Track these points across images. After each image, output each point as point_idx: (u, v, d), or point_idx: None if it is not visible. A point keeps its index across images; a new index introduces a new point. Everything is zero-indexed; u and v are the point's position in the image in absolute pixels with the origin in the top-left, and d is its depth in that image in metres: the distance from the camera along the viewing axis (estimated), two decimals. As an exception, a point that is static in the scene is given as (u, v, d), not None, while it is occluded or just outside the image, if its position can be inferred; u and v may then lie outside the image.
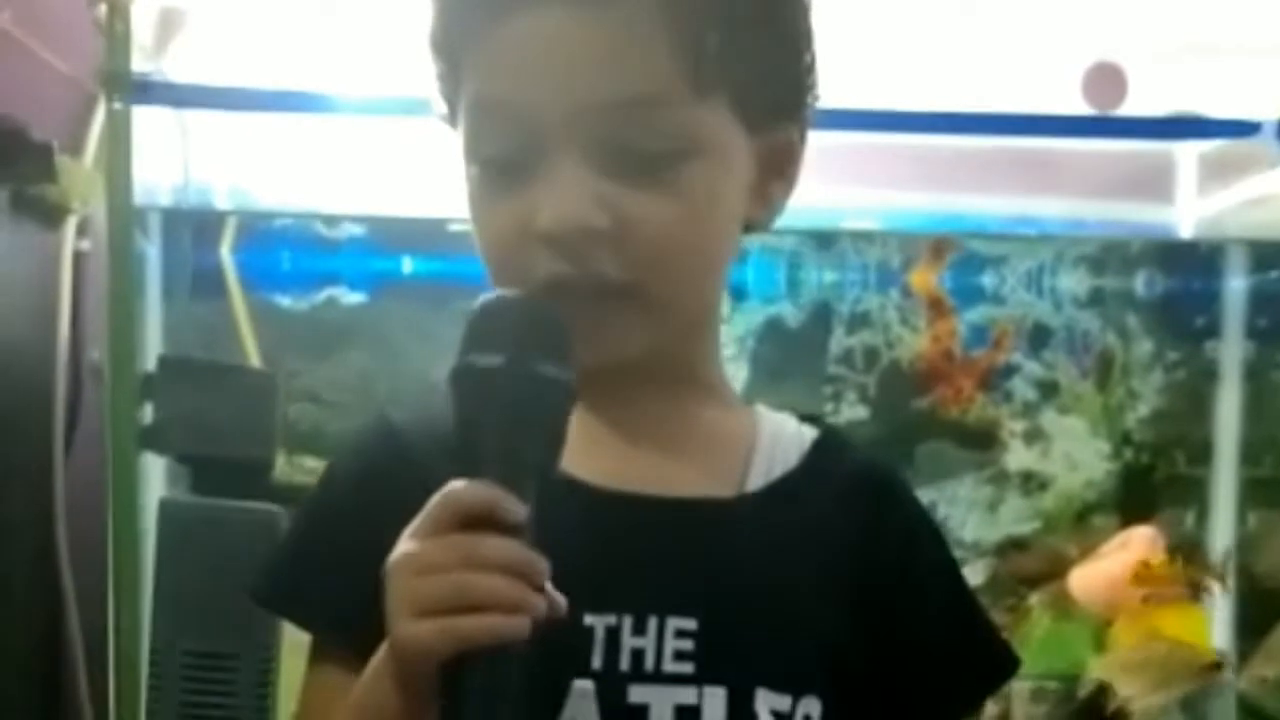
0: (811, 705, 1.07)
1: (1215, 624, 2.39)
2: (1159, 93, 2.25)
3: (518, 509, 0.93)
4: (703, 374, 1.14)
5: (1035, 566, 2.41)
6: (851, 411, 2.43)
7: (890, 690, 1.12)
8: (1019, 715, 2.25)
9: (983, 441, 2.44)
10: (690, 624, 1.04)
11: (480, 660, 0.91)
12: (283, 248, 2.31)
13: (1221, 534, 2.45)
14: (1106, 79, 2.23)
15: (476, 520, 0.93)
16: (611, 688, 1.03)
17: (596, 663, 1.03)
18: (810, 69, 1.12)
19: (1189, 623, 2.29)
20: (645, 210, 1.03)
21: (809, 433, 1.16)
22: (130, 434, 1.91)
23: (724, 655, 1.05)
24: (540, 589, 0.93)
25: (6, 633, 1.89)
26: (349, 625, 1.04)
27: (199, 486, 2.02)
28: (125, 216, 1.89)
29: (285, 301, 2.31)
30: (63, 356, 2.14)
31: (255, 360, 2.22)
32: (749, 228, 1.13)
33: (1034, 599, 2.34)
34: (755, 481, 1.11)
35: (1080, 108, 2.20)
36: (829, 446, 1.16)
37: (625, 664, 1.04)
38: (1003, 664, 1.20)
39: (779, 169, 1.12)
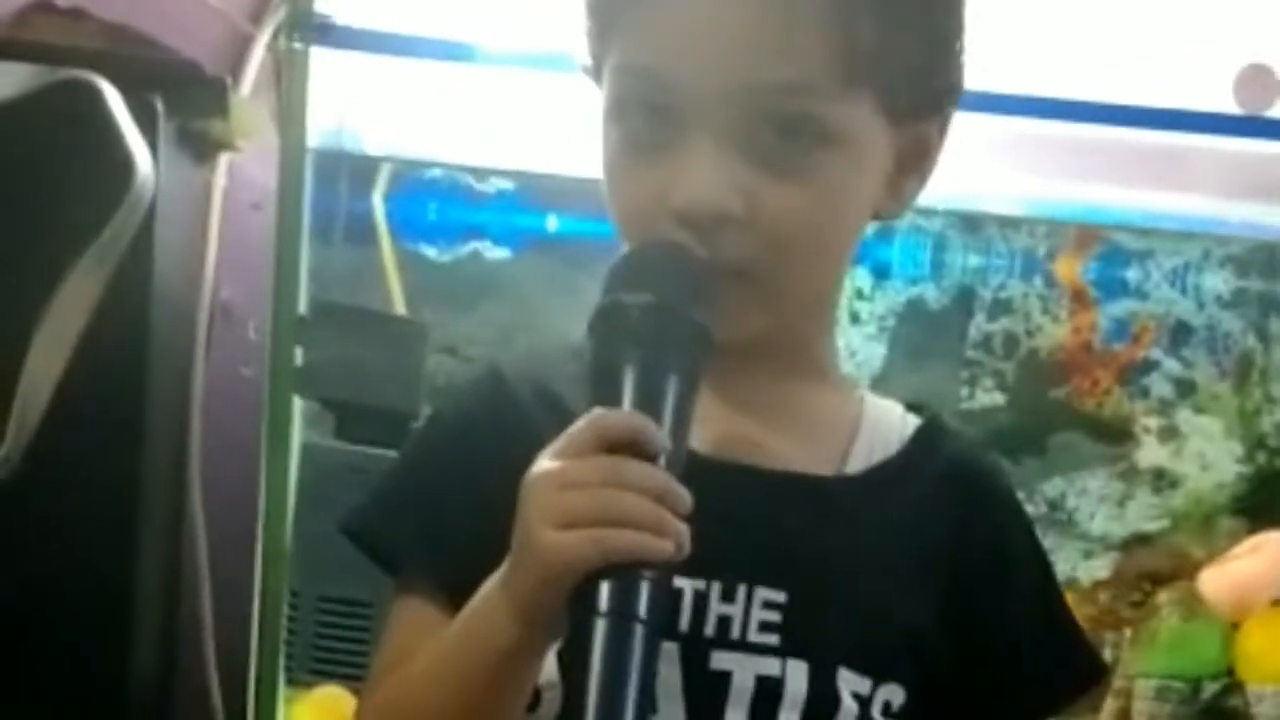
0: (893, 692, 1.09)
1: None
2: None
3: (661, 439, 0.95)
4: (814, 356, 1.16)
5: (1160, 564, 2.40)
6: (987, 397, 2.42)
7: (973, 687, 1.14)
8: (1140, 713, 2.25)
9: (1116, 436, 2.43)
10: (779, 596, 1.06)
11: (623, 579, 0.91)
12: (431, 198, 2.31)
13: (1352, 542, 2.43)
14: (1258, 80, 2.23)
15: (620, 445, 0.94)
16: (695, 651, 1.05)
17: (683, 626, 1.05)
18: (959, 67, 1.13)
19: (1317, 629, 2.28)
20: (779, 199, 1.04)
21: (912, 421, 1.19)
22: (288, 379, 1.92)
23: (809, 631, 1.07)
24: (682, 518, 0.94)
25: (138, 578, 1.90)
26: (442, 563, 1.07)
27: (343, 432, 2.04)
28: (298, 161, 1.91)
29: (430, 252, 2.31)
30: (208, 294, 2.15)
31: (402, 309, 2.23)
32: (878, 217, 1.14)
33: (1163, 597, 2.33)
34: (855, 464, 1.14)
35: (1231, 108, 2.20)
36: (930, 436, 1.18)
37: (711, 629, 1.06)
38: (1089, 669, 1.23)
39: (915, 163, 1.13)
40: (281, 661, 1.95)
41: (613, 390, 0.97)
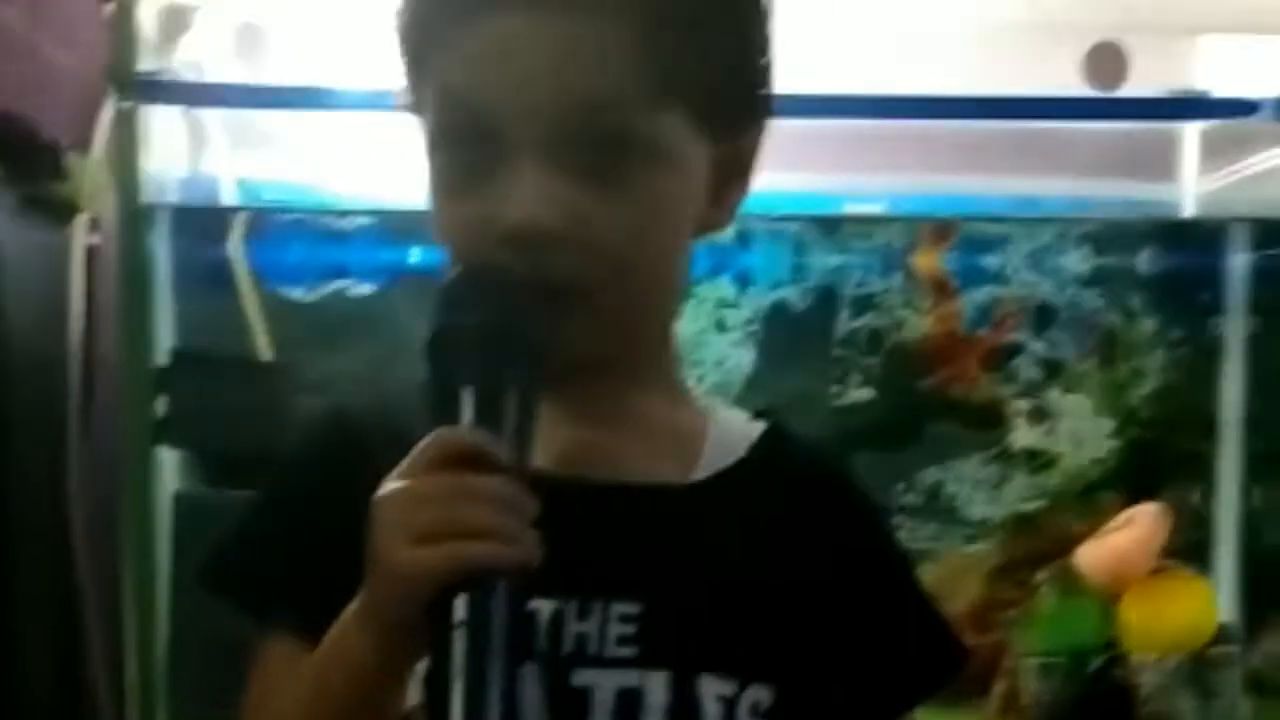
0: (760, 693, 1.10)
1: (1222, 599, 2.40)
2: (1160, 71, 2.27)
3: (504, 452, 0.96)
4: (656, 369, 1.17)
5: (1042, 544, 2.42)
6: (858, 393, 2.44)
7: (841, 680, 1.14)
8: (1027, 691, 2.27)
9: (988, 421, 2.46)
10: (634, 608, 1.07)
11: (479, 590, 0.93)
12: (291, 240, 2.33)
13: (1227, 508, 2.47)
14: (1107, 59, 2.25)
15: (464, 461, 0.95)
16: (555, 670, 1.06)
17: (541, 645, 1.06)
18: (768, 75, 1.14)
19: (1195, 597, 2.30)
20: (604, 216, 1.05)
21: (758, 426, 1.19)
22: (144, 429, 1.93)
23: (666, 640, 1.08)
24: (532, 526, 0.95)
25: (25, 629, 1.91)
26: (299, 607, 1.07)
27: (213, 479, 2.05)
28: (134, 216, 1.93)
29: (295, 294, 2.33)
30: (75, 353, 2.16)
31: (267, 353, 2.24)
32: (705, 229, 1.15)
33: (1042, 575, 2.36)
34: (703, 471, 1.15)
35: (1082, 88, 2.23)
36: (776, 439, 1.19)
37: (569, 647, 1.07)
38: (951, 657, 1.23)
39: (734, 175, 1.14)
40: (163, 705, 1.96)
41: (452, 411, 0.98)
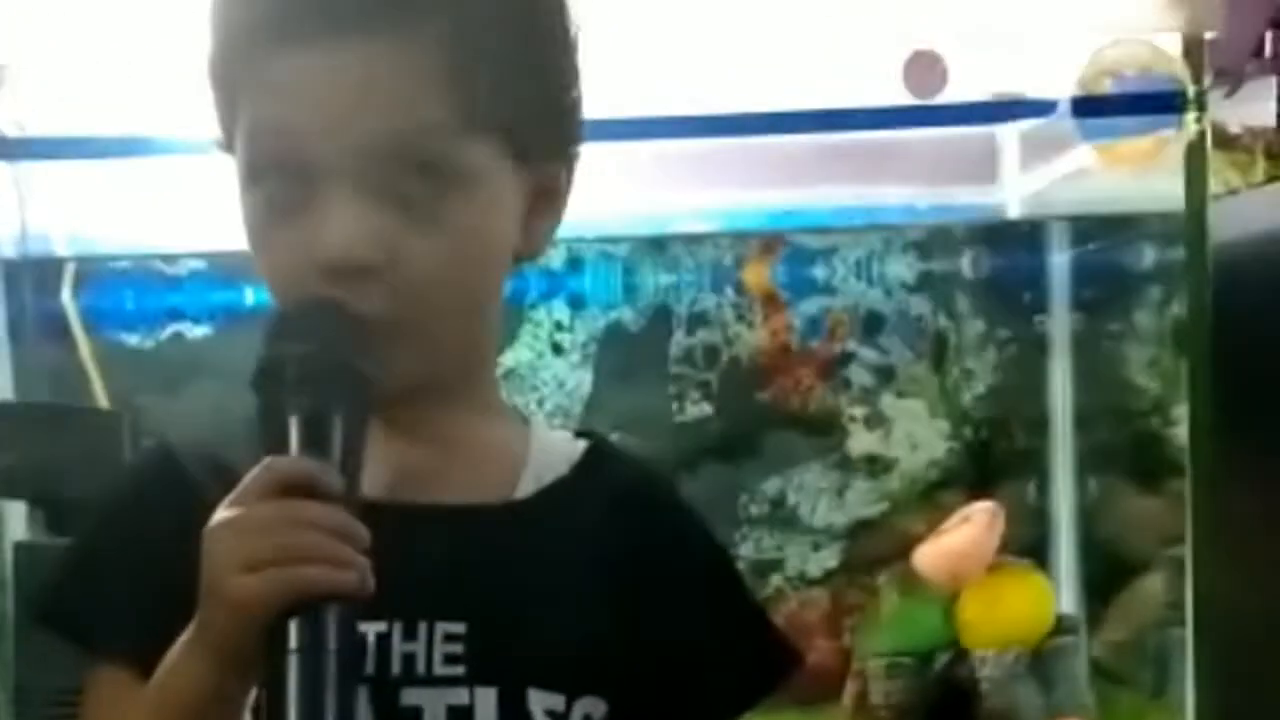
0: (593, 705, 1.11)
1: (1061, 591, 2.45)
2: (982, 76, 2.31)
3: (334, 479, 0.98)
4: (476, 393, 1.18)
5: (885, 547, 2.47)
6: (696, 409, 2.48)
7: (673, 688, 1.16)
8: (876, 692, 2.30)
9: (825, 429, 2.50)
10: (459, 628, 1.08)
11: (311, 615, 0.94)
12: (124, 288, 2.34)
13: (1063, 502, 2.52)
14: (925, 66, 2.28)
15: (294, 488, 0.97)
16: (384, 691, 1.07)
17: (370, 669, 1.06)
18: (577, 103, 1.16)
19: (1032, 591, 2.35)
20: (418, 246, 1.06)
21: (580, 445, 1.21)
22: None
23: (492, 657, 1.09)
24: (362, 552, 0.96)
25: None
26: (131, 639, 1.07)
27: (53, 526, 2.05)
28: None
29: (131, 340, 2.35)
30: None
31: (103, 400, 2.25)
32: (519, 258, 1.16)
33: (882, 578, 2.40)
34: (524, 490, 1.16)
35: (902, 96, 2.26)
36: (598, 456, 1.20)
37: (397, 668, 1.07)
38: (783, 659, 1.24)
39: (547, 203, 1.15)
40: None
41: (281, 439, 0.99)
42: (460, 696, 1.08)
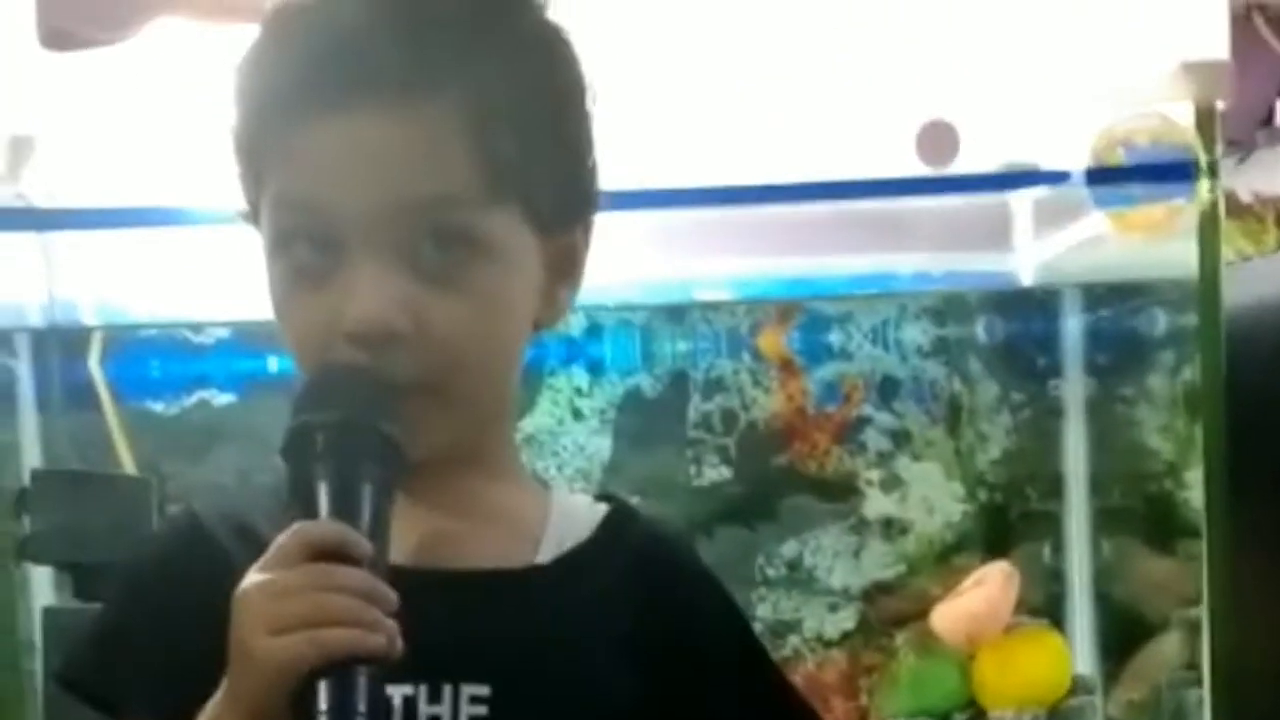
0: None
1: (1078, 651, 2.47)
2: (993, 144, 2.33)
3: (363, 544, 0.99)
4: (496, 458, 1.20)
5: (901, 608, 2.49)
6: (714, 473, 2.50)
7: None
8: (893, 754, 2.32)
9: (842, 492, 2.53)
10: (483, 690, 1.10)
11: (341, 678, 0.95)
12: (151, 356, 2.38)
13: (1078, 564, 2.54)
14: (939, 136, 2.31)
15: (324, 553, 0.98)
16: None
17: None
18: (594, 175, 1.18)
19: (1049, 651, 2.36)
20: (443, 313, 1.08)
21: (600, 509, 1.22)
22: (8, 546, 1.96)
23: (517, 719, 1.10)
24: (390, 616, 0.97)
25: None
26: (157, 705, 1.09)
27: (81, 592, 2.07)
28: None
29: (157, 407, 2.38)
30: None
31: (130, 467, 2.27)
32: (538, 325, 1.17)
33: (899, 639, 2.42)
34: (546, 554, 1.17)
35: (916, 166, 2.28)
36: (619, 521, 1.22)
37: None
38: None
39: (565, 270, 1.17)
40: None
41: (311, 506, 1.01)
42: None
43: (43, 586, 2.20)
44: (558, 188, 1.14)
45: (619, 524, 1.21)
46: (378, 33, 1.07)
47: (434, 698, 1.09)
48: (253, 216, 1.14)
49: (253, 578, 0.98)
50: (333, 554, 0.98)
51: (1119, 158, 2.12)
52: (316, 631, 0.95)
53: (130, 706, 1.13)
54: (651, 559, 1.21)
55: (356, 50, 1.06)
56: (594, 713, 1.13)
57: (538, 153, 1.11)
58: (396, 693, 1.07)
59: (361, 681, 0.96)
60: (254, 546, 1.07)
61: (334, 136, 1.07)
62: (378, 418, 1.04)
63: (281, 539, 0.99)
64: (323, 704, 0.94)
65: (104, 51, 2.03)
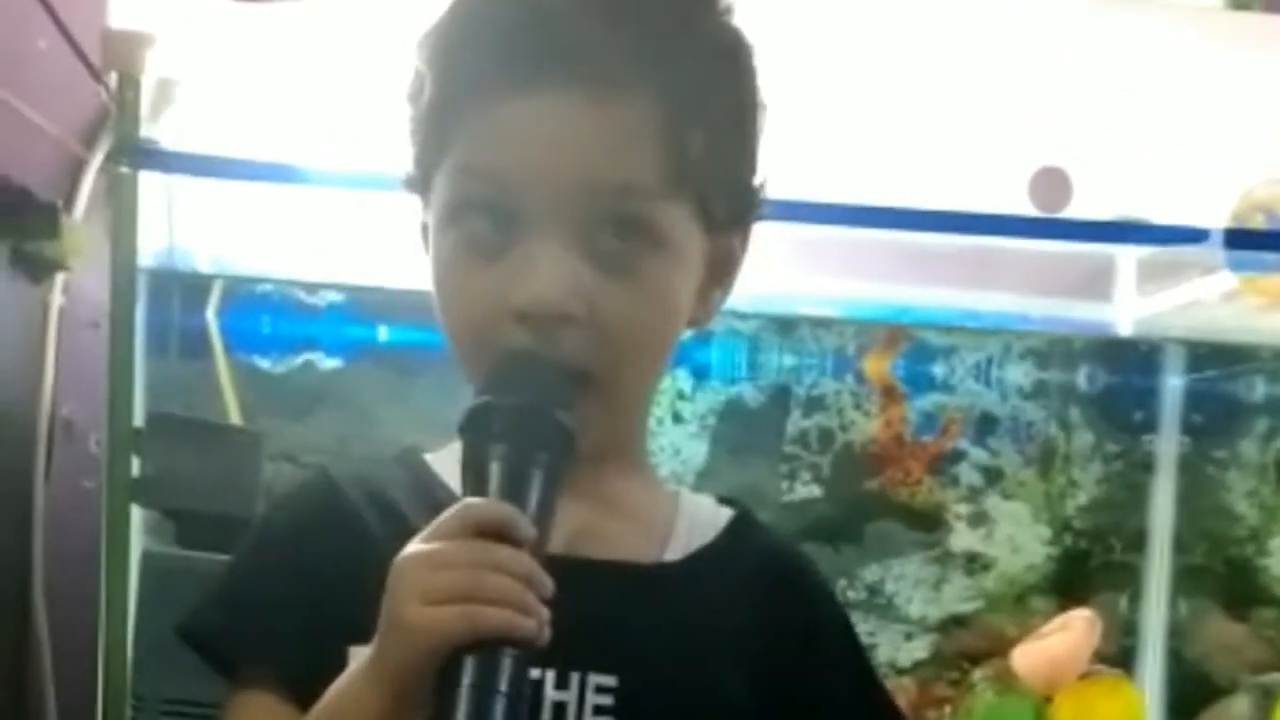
0: None
1: (1148, 705, 2.48)
2: (1100, 195, 2.35)
3: (528, 527, 0.98)
4: (632, 452, 1.20)
5: (977, 643, 2.50)
6: (806, 490, 2.52)
7: None
8: (961, 787, 2.33)
9: (929, 523, 2.55)
10: (610, 680, 1.10)
11: (488, 655, 0.95)
12: (264, 312, 2.38)
13: (1154, 618, 2.56)
14: (1052, 183, 2.33)
15: (487, 532, 0.97)
16: None
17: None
18: (763, 184, 1.18)
19: (1124, 701, 2.38)
20: (616, 301, 1.08)
21: (725, 513, 1.23)
22: (125, 489, 1.96)
23: (641, 712, 1.11)
24: (545, 602, 0.97)
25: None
26: (282, 659, 1.09)
27: (183, 539, 2.07)
28: (129, 280, 1.96)
29: (265, 364, 2.39)
30: (46, 410, 2.19)
31: (237, 419, 2.28)
32: (690, 324, 1.17)
33: (978, 674, 2.43)
34: (674, 552, 1.18)
35: (1027, 209, 2.30)
36: (744, 526, 1.22)
37: (547, 717, 1.09)
38: None
39: (722, 274, 1.17)
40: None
41: (481, 485, 1.01)
42: None
43: (135, 531, 2.19)
44: (731, 191, 1.15)
45: (744, 529, 1.22)
46: (583, 17, 1.07)
47: (561, 684, 1.10)
48: (420, 183, 1.14)
49: (414, 547, 0.98)
50: (497, 534, 0.97)
51: (1258, 222, 2.14)
52: (471, 607, 0.95)
53: (251, 667, 1.13)
54: (775, 565, 1.22)
55: (560, 31, 1.07)
56: (714, 711, 1.14)
57: (720, 155, 1.12)
58: None
59: (507, 663, 0.95)
60: (389, 514, 1.10)
61: (529, 113, 1.07)
62: (556, 407, 1.04)
63: (448, 513, 0.99)
64: (467, 678, 0.94)
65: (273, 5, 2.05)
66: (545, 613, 0.97)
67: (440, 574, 0.96)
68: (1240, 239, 2.13)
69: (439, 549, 0.97)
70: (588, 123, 1.07)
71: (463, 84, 1.10)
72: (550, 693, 1.09)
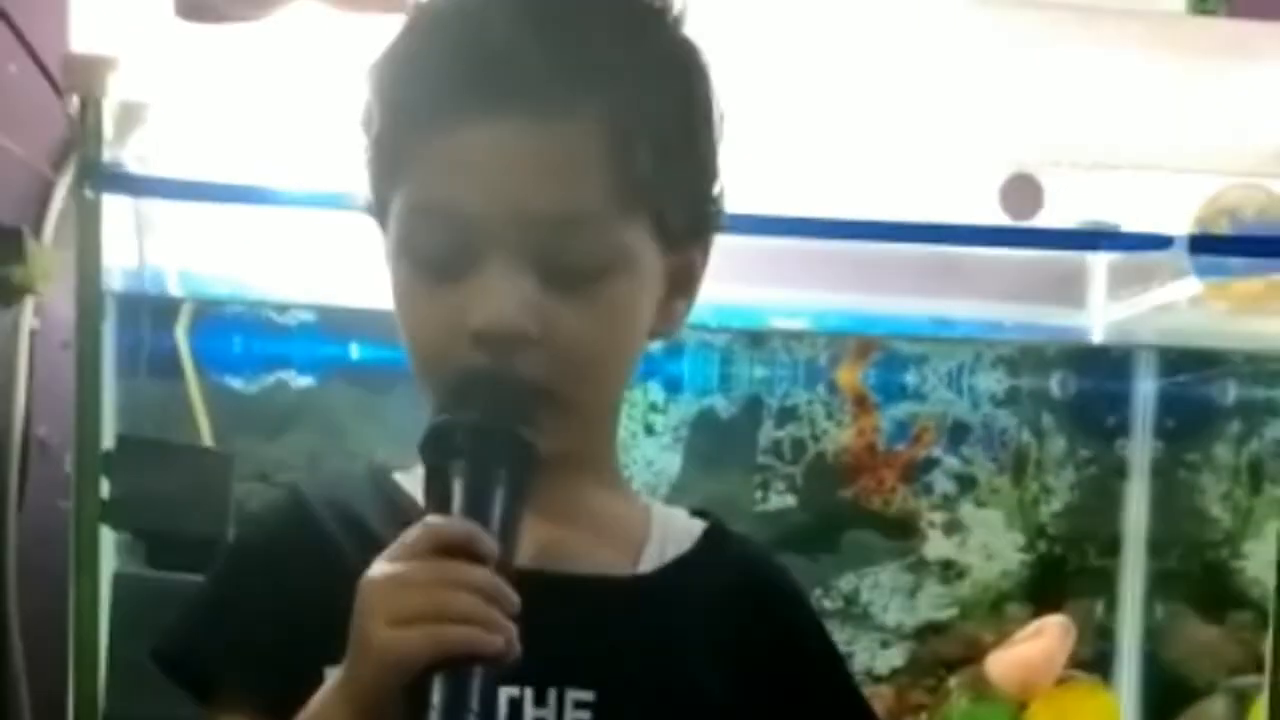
0: None
1: (1124, 709, 2.49)
2: (1071, 202, 2.35)
3: (491, 543, 0.99)
4: (602, 465, 1.21)
5: (953, 650, 2.51)
6: (780, 500, 2.52)
7: None
8: (937, 795, 2.33)
9: (904, 531, 2.55)
10: (588, 695, 1.11)
11: (456, 675, 0.95)
12: (234, 332, 2.38)
13: (1129, 623, 2.56)
14: (1023, 190, 2.33)
15: (452, 549, 0.98)
16: None
17: None
18: (720, 197, 1.19)
19: (1100, 706, 2.38)
20: (571, 321, 1.09)
21: (698, 524, 1.23)
22: (94, 511, 1.96)
23: None
24: (511, 619, 0.97)
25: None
26: (254, 680, 1.10)
27: (154, 561, 2.07)
28: (95, 302, 1.95)
29: (236, 384, 2.39)
30: (18, 430, 2.20)
31: (208, 440, 2.28)
32: (653, 337, 1.18)
33: (953, 681, 2.43)
34: (648, 564, 1.18)
35: (998, 216, 2.30)
36: (717, 536, 1.23)
37: None
38: None
39: (683, 287, 1.18)
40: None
41: (444, 503, 1.01)
42: None
43: (107, 552, 2.19)
44: (686, 206, 1.15)
45: (718, 539, 1.23)
46: (527, 44, 1.08)
47: (540, 701, 1.10)
48: (377, 209, 1.15)
49: (378, 568, 0.98)
50: (460, 551, 0.98)
51: (1223, 227, 2.14)
52: (437, 627, 0.95)
53: (228, 691, 1.13)
54: (751, 575, 1.23)
55: (501, 60, 1.08)
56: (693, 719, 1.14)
57: (672, 170, 1.12)
58: (503, 694, 1.08)
59: (476, 681, 0.96)
60: (359, 534, 1.10)
61: (477, 143, 1.08)
62: (517, 423, 1.05)
63: (410, 532, 0.99)
64: (435, 700, 0.94)
65: (230, 28, 2.05)
66: (513, 628, 0.97)
67: (404, 593, 0.96)
68: (1204, 244, 2.12)
69: (402, 569, 0.97)
70: (532, 151, 1.08)
71: (408, 117, 1.12)
72: (529, 710, 1.10)
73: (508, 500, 1.03)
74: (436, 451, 1.04)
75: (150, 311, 2.30)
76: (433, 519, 1.00)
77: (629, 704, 1.12)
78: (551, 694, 1.10)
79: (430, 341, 1.11)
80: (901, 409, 2.55)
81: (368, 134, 1.15)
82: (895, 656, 2.53)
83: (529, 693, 1.10)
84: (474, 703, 0.95)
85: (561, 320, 1.08)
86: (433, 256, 1.10)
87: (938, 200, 2.28)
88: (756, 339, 2.50)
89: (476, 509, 1.01)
